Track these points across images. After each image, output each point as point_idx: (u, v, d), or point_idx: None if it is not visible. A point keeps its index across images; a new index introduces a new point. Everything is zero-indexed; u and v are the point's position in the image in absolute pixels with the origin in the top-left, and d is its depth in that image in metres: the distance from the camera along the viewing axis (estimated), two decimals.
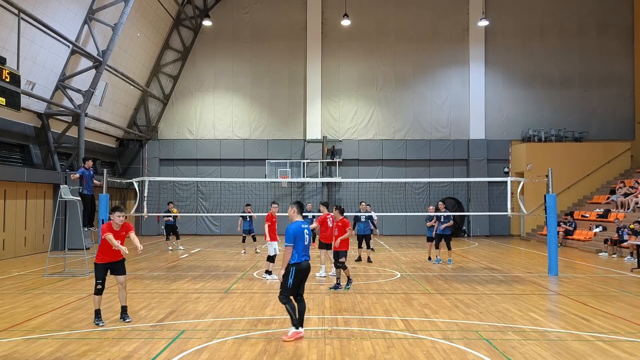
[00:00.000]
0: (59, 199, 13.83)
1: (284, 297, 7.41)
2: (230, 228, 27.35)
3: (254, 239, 19.05)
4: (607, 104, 27.62)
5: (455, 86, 27.84)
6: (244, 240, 19.31)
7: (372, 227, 16.53)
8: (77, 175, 13.76)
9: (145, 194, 15.61)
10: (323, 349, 6.93)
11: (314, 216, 20.64)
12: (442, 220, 15.73)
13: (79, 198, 14.00)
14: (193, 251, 19.50)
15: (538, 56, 27.74)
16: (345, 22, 26.18)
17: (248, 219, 18.81)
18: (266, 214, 13.35)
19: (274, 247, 12.73)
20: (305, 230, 7.62)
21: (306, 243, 7.57)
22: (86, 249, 14.79)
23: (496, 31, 27.74)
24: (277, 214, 13.39)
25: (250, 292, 11.00)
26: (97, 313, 8.31)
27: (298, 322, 7.38)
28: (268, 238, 12.78)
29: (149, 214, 15.74)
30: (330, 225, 12.42)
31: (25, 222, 18.38)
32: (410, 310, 9.30)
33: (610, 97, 27.62)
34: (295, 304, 7.46)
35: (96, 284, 8.33)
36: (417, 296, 10.59)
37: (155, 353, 6.72)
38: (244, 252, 18.65)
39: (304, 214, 8.32)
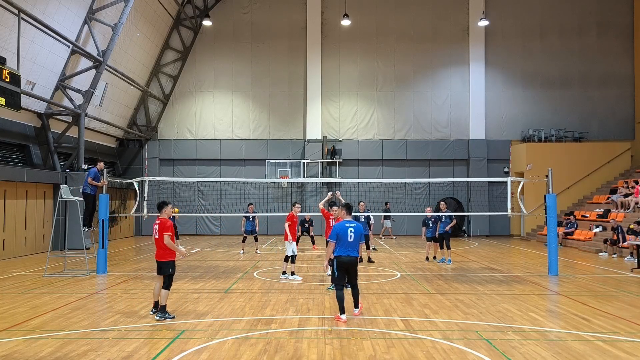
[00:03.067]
0: (59, 199, 13.84)
1: (335, 286, 8.60)
2: (230, 228, 27.38)
3: (256, 239, 18.89)
4: (607, 104, 27.62)
5: (455, 86, 27.84)
6: (244, 241, 19.23)
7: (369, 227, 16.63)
8: (104, 181, 13.85)
9: (145, 194, 15.61)
10: (323, 349, 6.93)
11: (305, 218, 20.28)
12: (443, 220, 15.76)
13: (81, 198, 13.99)
14: (193, 251, 19.49)
15: (538, 56, 27.74)
16: (345, 22, 26.19)
17: (251, 219, 18.64)
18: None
19: (292, 247, 12.56)
20: (350, 229, 8.37)
21: (350, 240, 8.33)
22: (86, 249, 14.79)
23: (496, 31, 27.74)
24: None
25: (250, 292, 11.01)
26: (164, 308, 8.65)
27: (343, 309, 8.41)
28: (290, 237, 12.53)
29: (149, 214, 15.72)
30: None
31: (25, 222, 18.37)
32: (410, 310, 9.30)
33: (610, 97, 27.63)
34: (349, 293, 8.65)
35: (171, 280, 8.78)
36: (417, 296, 10.59)
37: (155, 353, 6.72)
38: (243, 252, 18.61)
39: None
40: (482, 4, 27.30)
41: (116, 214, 23.41)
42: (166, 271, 8.66)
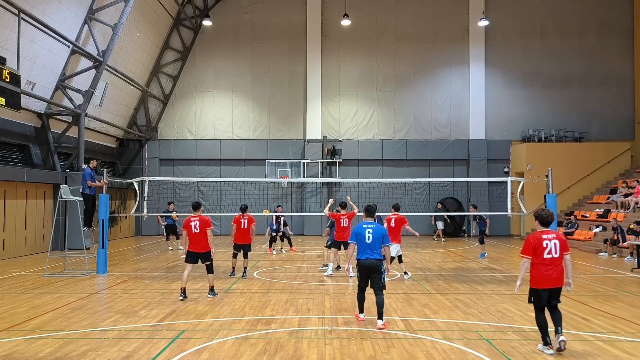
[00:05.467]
0: (59, 199, 13.84)
1: (358, 289, 8.46)
2: (230, 228, 27.27)
3: (282, 239, 18.94)
4: (607, 104, 27.61)
5: (455, 86, 27.83)
6: (274, 240, 18.88)
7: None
8: (104, 181, 13.89)
9: (145, 194, 15.61)
10: (323, 349, 6.93)
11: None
12: (478, 221, 16.75)
13: (80, 198, 13.99)
14: None
15: (538, 56, 27.74)
16: (345, 22, 26.18)
17: (279, 220, 18.70)
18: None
19: (395, 249, 12.83)
20: (368, 230, 8.25)
21: (368, 241, 8.17)
22: (86, 249, 14.78)
23: (496, 31, 27.74)
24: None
25: (250, 292, 11.01)
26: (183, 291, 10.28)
27: (362, 309, 8.50)
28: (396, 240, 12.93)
29: (149, 214, 15.73)
30: (344, 225, 13.00)
31: (25, 222, 18.38)
32: (410, 310, 9.31)
33: (610, 97, 27.62)
34: (374, 297, 8.27)
35: (212, 264, 10.72)
36: (417, 296, 10.60)
37: (155, 353, 6.72)
38: (275, 253, 18.60)
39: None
40: (482, 4, 27.29)
41: (116, 214, 23.40)
42: (207, 259, 10.45)
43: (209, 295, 10.48)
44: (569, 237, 21.57)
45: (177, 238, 20.09)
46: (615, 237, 17.86)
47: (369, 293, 8.37)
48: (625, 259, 16.81)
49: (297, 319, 8.64)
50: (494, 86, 27.78)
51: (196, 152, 27.89)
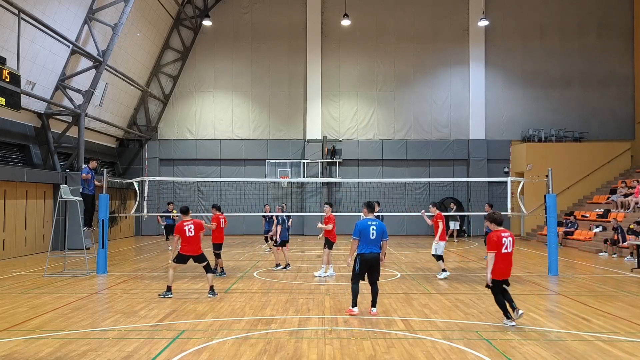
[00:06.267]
0: (59, 199, 13.84)
1: (352, 281, 8.91)
2: (230, 228, 27.11)
3: (266, 240, 19.04)
4: (607, 104, 27.62)
5: (455, 86, 27.84)
6: (266, 240, 19.15)
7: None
8: (99, 183, 13.95)
9: (145, 194, 15.64)
10: (323, 349, 6.93)
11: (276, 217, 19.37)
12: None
13: (80, 198, 13.99)
14: None
15: (538, 56, 27.74)
16: (345, 22, 26.20)
17: (267, 219, 18.69)
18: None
19: (440, 246, 13.03)
20: (372, 226, 8.73)
21: (372, 237, 8.68)
22: (86, 249, 14.78)
23: (496, 31, 27.74)
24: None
25: (250, 292, 11.01)
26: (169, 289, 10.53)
27: (356, 302, 8.86)
28: (437, 237, 13.00)
29: (149, 214, 15.73)
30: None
31: (25, 222, 18.37)
32: (410, 310, 9.30)
33: (610, 97, 27.63)
34: (369, 288, 9.04)
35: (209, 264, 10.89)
36: (417, 296, 10.59)
37: (155, 353, 6.72)
38: (269, 250, 18.74)
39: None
40: (482, 4, 27.30)
41: (116, 214, 23.41)
42: (203, 260, 10.58)
43: (209, 295, 10.50)
44: (569, 237, 21.59)
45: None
46: (615, 237, 17.86)
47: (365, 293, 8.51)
48: (625, 259, 16.81)
49: (297, 319, 8.63)
50: (494, 86, 27.79)
51: (196, 152, 27.90)
